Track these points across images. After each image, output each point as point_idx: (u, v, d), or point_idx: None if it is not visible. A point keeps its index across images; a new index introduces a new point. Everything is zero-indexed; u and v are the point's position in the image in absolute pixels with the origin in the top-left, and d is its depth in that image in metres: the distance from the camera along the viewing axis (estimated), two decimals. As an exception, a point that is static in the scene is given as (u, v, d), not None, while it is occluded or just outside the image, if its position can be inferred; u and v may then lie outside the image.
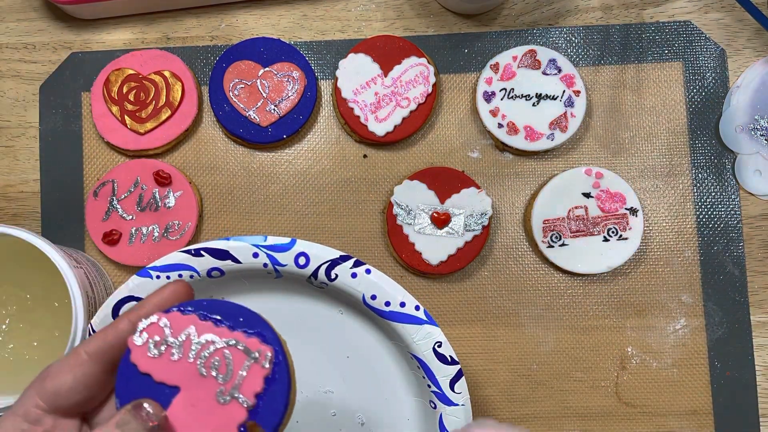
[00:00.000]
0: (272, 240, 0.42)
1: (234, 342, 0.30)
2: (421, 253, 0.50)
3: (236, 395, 0.30)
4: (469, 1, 0.52)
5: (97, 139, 0.53)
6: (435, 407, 0.44)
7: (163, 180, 0.51)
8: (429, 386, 0.44)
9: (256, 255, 0.42)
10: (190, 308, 0.31)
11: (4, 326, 0.48)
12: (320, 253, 0.42)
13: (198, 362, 0.30)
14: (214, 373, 0.30)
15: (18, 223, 0.53)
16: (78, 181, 0.53)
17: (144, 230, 0.51)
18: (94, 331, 0.42)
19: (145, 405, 0.29)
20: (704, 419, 0.51)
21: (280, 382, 0.30)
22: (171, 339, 0.30)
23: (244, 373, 0.30)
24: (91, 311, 0.45)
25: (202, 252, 0.42)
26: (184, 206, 0.51)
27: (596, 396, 0.52)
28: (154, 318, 0.31)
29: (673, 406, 0.51)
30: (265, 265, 0.43)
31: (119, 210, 0.51)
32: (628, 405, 0.51)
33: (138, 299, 0.42)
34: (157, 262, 0.42)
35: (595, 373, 0.52)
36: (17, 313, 0.49)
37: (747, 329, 0.52)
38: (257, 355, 0.30)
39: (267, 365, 0.30)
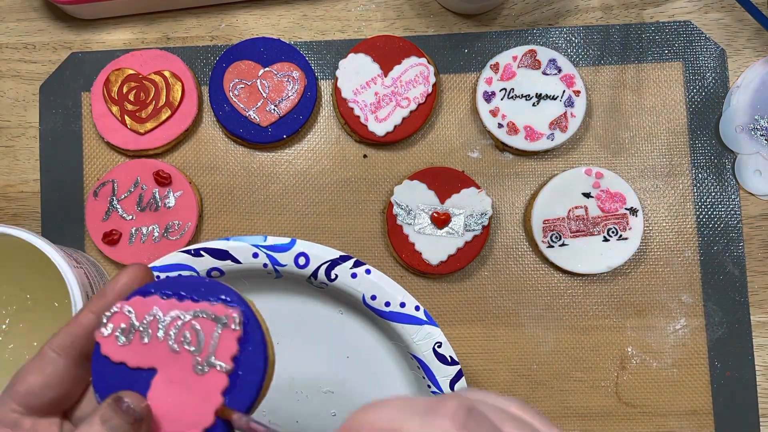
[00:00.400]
0: (272, 240, 0.42)
1: (200, 312, 0.30)
2: (421, 253, 0.50)
3: (213, 362, 0.29)
4: (469, 1, 0.52)
5: (97, 139, 0.53)
6: None
7: (163, 180, 0.51)
8: (429, 386, 0.44)
9: (255, 255, 0.42)
10: (151, 290, 0.31)
11: (4, 326, 0.48)
12: (320, 254, 0.42)
13: (168, 340, 0.30)
14: (186, 347, 0.30)
15: (18, 223, 0.53)
16: (78, 181, 0.53)
17: (144, 230, 0.51)
18: None
19: (125, 398, 0.29)
20: (704, 419, 0.51)
21: (254, 340, 0.30)
22: (137, 323, 0.30)
23: (217, 340, 0.30)
24: (91, 311, 0.45)
25: (201, 252, 0.42)
26: (184, 206, 0.51)
27: (596, 396, 0.52)
28: (116, 307, 0.30)
29: (673, 406, 0.51)
30: (265, 265, 0.43)
31: (119, 210, 0.51)
32: (628, 405, 0.51)
33: None
34: (157, 262, 0.42)
35: (595, 373, 0.52)
36: (17, 313, 0.49)
37: (747, 329, 0.52)
38: (225, 319, 0.30)
39: (237, 327, 0.30)
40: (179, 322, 0.30)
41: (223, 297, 0.31)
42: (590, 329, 0.52)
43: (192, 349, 0.30)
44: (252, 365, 0.30)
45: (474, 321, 0.52)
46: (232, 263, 0.43)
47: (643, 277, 0.52)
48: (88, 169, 0.53)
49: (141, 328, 0.30)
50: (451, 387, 0.43)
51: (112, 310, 0.30)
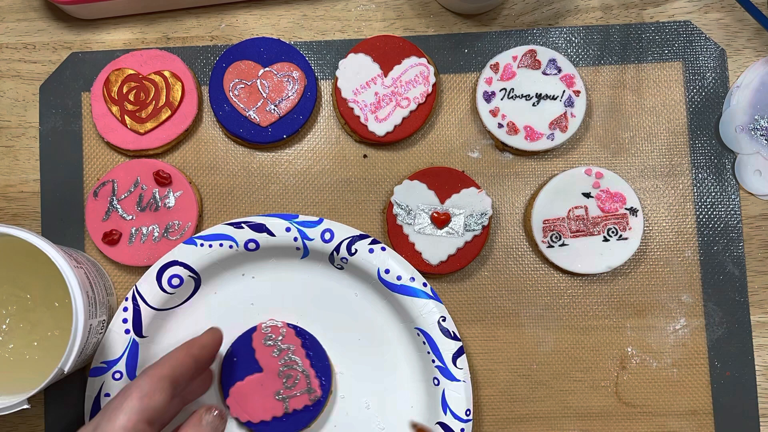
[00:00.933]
0: (303, 218, 0.49)
1: (306, 372, 0.48)
2: (421, 253, 0.50)
3: (286, 400, 0.48)
4: (469, 1, 0.52)
5: (97, 139, 0.53)
6: (438, 383, 0.48)
7: (163, 180, 0.51)
8: (433, 361, 0.48)
9: (288, 229, 0.49)
10: (302, 333, 0.49)
11: (4, 326, 0.48)
12: (343, 231, 0.49)
13: (282, 367, 0.48)
14: (284, 380, 0.48)
15: (18, 223, 0.53)
16: (78, 181, 0.53)
17: (144, 230, 0.51)
18: (138, 293, 0.49)
19: (214, 412, 0.42)
20: (704, 419, 0.51)
21: (312, 412, 0.49)
22: (280, 344, 0.49)
23: (298, 394, 0.48)
24: (91, 311, 0.45)
25: (242, 225, 0.49)
26: (184, 206, 0.51)
27: (596, 396, 0.52)
28: (279, 323, 0.49)
29: (673, 406, 0.51)
30: (295, 239, 0.48)
31: (119, 210, 0.51)
32: (628, 405, 0.51)
33: (181, 264, 0.49)
34: (204, 232, 0.49)
35: (595, 373, 0.52)
36: (17, 313, 0.49)
37: (747, 329, 0.52)
38: (312, 390, 0.48)
39: (311, 400, 0.48)
40: (294, 366, 0.48)
41: (323, 379, 0.48)
42: (590, 329, 0.52)
43: (286, 383, 0.48)
44: (301, 420, 0.48)
45: (474, 321, 0.52)
46: (268, 236, 0.49)
47: (643, 277, 0.52)
48: (88, 169, 0.53)
49: (279, 347, 0.49)
50: (454, 361, 0.48)
51: (277, 322, 0.49)
